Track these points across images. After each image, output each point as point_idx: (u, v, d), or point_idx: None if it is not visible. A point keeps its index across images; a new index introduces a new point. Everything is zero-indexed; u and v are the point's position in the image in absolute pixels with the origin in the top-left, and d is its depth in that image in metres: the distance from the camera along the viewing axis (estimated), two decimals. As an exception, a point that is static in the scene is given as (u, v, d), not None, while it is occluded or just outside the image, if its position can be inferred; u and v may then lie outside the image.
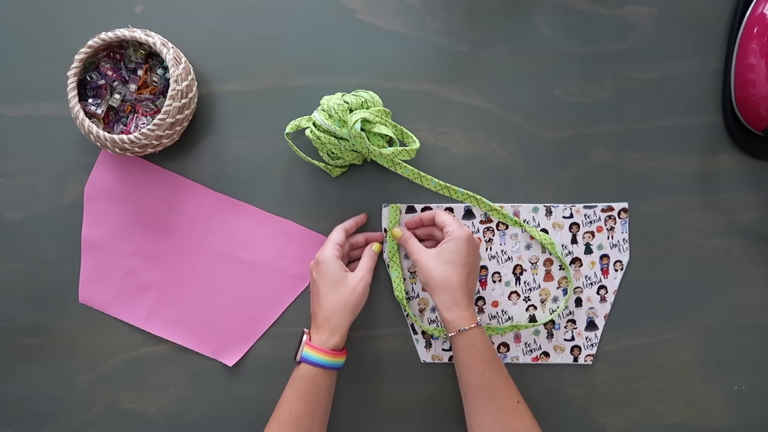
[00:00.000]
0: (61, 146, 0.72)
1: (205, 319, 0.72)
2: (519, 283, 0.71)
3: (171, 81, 0.63)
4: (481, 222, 0.71)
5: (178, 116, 0.64)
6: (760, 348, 0.70)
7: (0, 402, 0.73)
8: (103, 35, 0.65)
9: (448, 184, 0.70)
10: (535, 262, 0.71)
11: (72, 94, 0.64)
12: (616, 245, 0.70)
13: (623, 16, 0.71)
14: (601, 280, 0.70)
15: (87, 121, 0.64)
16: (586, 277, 0.70)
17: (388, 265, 0.70)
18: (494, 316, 0.71)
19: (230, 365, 0.71)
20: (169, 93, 0.63)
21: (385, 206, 0.70)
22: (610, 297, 0.70)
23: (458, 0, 0.71)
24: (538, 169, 0.71)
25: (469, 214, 0.71)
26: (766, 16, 0.66)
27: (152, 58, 0.69)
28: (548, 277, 0.71)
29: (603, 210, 0.70)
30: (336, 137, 0.65)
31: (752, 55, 0.67)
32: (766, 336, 0.70)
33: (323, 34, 0.71)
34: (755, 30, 0.67)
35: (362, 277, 0.64)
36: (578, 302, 0.70)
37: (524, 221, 0.70)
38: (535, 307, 0.71)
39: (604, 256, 0.70)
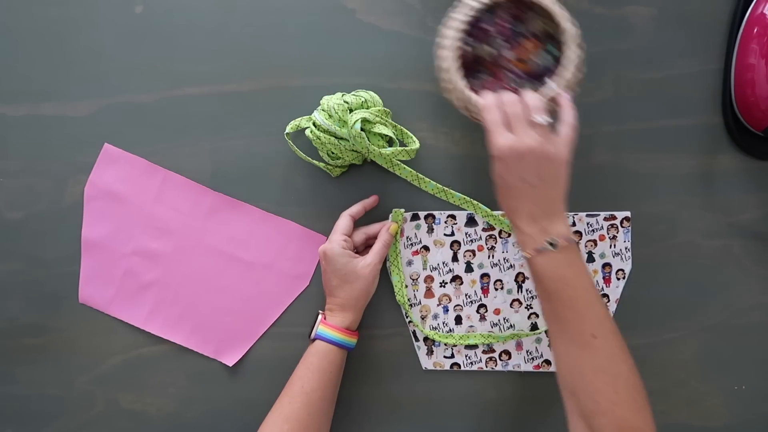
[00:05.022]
0: (61, 146, 0.72)
1: (205, 319, 0.72)
2: (521, 291, 0.71)
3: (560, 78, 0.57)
4: (484, 229, 0.71)
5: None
6: (760, 348, 0.70)
7: (0, 402, 0.73)
8: None
9: (446, 188, 0.70)
10: None
11: (455, 30, 0.57)
12: (618, 254, 0.70)
13: (623, 16, 0.71)
14: (603, 288, 0.70)
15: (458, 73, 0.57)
16: None
17: (390, 271, 0.70)
18: (496, 324, 0.71)
19: (230, 365, 0.71)
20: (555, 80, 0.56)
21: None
22: (612, 305, 0.70)
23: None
24: (538, 169, 0.71)
25: (471, 221, 0.71)
26: (766, 16, 0.66)
27: (549, 39, 0.61)
28: None
29: (605, 219, 0.70)
30: (336, 137, 0.65)
31: (752, 55, 0.67)
32: (766, 336, 0.70)
33: (323, 34, 0.71)
34: (755, 30, 0.67)
35: (370, 263, 0.64)
36: None
37: None
38: (537, 315, 0.70)
39: (606, 265, 0.70)
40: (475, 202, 0.70)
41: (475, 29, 0.61)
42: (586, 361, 0.52)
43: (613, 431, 0.50)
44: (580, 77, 0.59)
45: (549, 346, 0.69)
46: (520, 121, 0.54)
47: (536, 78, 0.63)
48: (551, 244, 0.53)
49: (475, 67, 0.64)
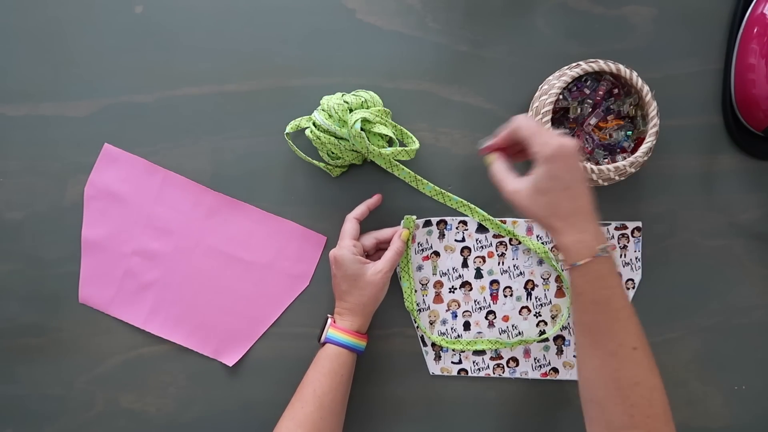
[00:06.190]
0: (61, 146, 0.72)
1: (205, 319, 0.72)
2: (530, 299, 0.70)
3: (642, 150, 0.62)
4: (495, 236, 0.70)
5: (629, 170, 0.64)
6: (760, 348, 0.70)
7: (0, 402, 0.73)
8: (635, 78, 0.63)
9: (443, 191, 0.70)
10: (547, 278, 0.70)
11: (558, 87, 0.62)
12: (628, 263, 0.70)
13: (623, 16, 0.71)
14: None
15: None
16: None
17: (400, 276, 0.70)
18: (504, 331, 0.71)
19: (230, 365, 0.71)
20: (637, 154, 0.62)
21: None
22: None
23: (458, 0, 0.71)
24: (538, 169, 0.71)
25: (482, 228, 0.70)
26: (766, 16, 0.66)
27: (631, 124, 0.67)
28: (560, 293, 0.70)
29: (616, 228, 0.70)
30: (336, 137, 0.65)
31: (752, 55, 0.67)
32: (766, 336, 0.70)
33: (323, 34, 0.71)
34: (755, 30, 0.67)
35: (381, 270, 0.64)
36: None
37: (537, 236, 0.70)
38: (546, 323, 0.70)
39: None
40: (472, 206, 0.70)
41: (574, 87, 0.66)
42: (624, 374, 0.51)
43: None
44: (646, 159, 0.63)
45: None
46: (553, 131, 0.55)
47: (607, 149, 0.67)
48: (604, 249, 0.51)
49: (558, 120, 0.67)
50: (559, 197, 0.52)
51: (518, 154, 0.59)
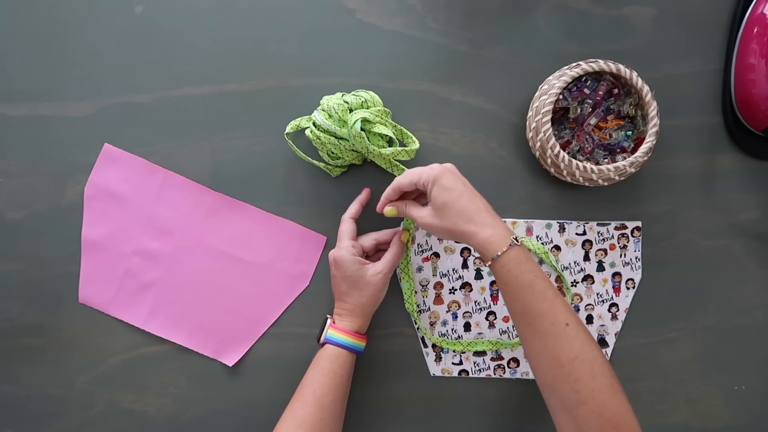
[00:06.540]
0: (61, 146, 0.72)
1: (205, 319, 0.72)
2: None
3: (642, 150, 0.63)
4: None
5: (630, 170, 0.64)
6: (760, 348, 0.70)
7: (0, 402, 0.73)
8: (634, 77, 0.63)
9: None
10: None
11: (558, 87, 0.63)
12: (628, 263, 0.70)
13: (623, 16, 0.71)
14: (612, 297, 0.70)
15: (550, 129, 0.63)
16: (597, 294, 0.70)
17: (400, 278, 0.70)
18: (504, 332, 0.71)
19: (230, 365, 0.71)
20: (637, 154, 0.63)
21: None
22: (621, 315, 0.70)
23: (458, 0, 0.71)
24: (538, 169, 0.71)
25: None
26: (766, 16, 0.66)
27: (631, 124, 0.67)
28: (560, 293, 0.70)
29: (616, 228, 0.70)
30: (336, 137, 0.65)
31: (752, 55, 0.67)
32: (766, 336, 0.70)
33: (323, 34, 0.71)
34: (755, 30, 0.67)
35: (381, 271, 0.64)
36: (589, 319, 0.70)
37: (536, 237, 0.70)
38: None
39: (616, 274, 0.70)
40: None
41: (574, 87, 0.67)
42: (562, 351, 0.53)
43: (595, 419, 0.50)
44: (646, 159, 0.64)
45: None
46: None
47: (607, 149, 0.67)
48: (515, 238, 0.55)
49: (558, 120, 0.68)
50: (460, 202, 0.57)
51: (415, 199, 0.65)
